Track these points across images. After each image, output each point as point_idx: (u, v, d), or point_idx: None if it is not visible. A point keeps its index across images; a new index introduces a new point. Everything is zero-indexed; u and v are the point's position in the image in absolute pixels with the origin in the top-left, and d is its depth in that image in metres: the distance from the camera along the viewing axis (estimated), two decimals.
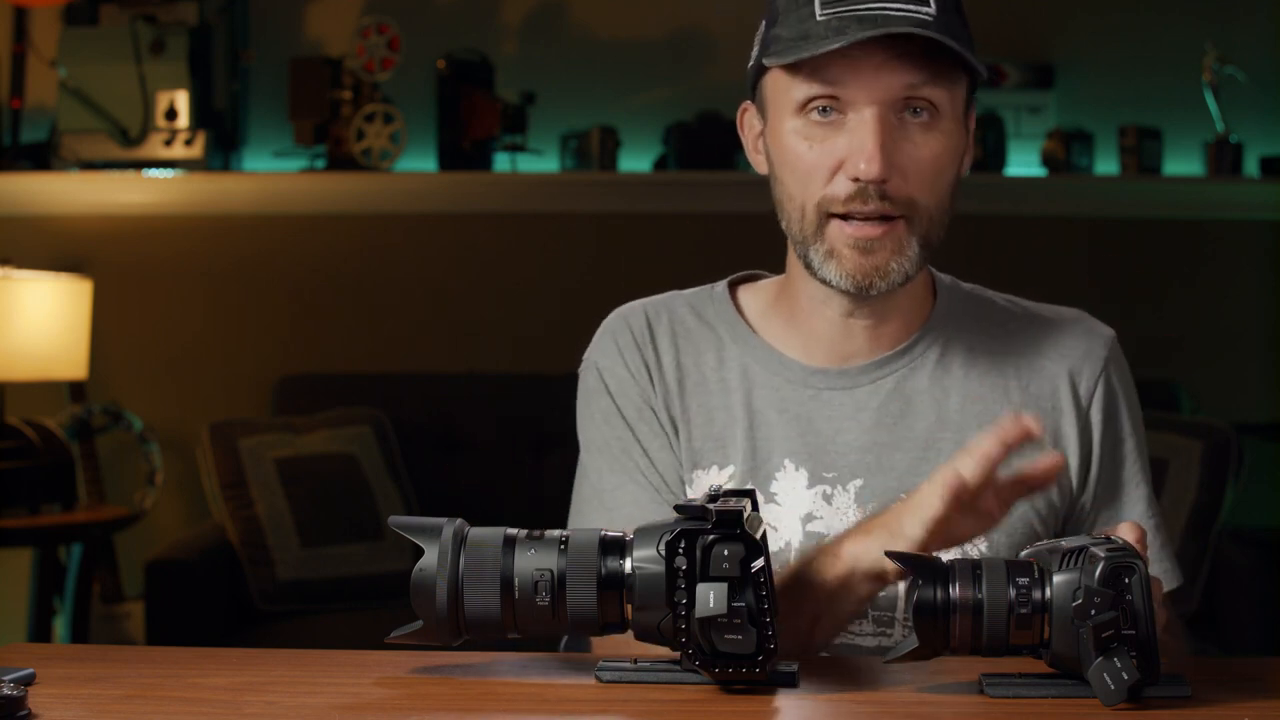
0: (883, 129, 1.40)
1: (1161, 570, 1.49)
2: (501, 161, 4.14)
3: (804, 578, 1.36)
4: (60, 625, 3.94)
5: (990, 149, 4.02)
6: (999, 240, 4.08)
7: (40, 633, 3.79)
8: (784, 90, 1.44)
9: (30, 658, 1.23)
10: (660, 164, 4.11)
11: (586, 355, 1.58)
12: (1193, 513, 3.32)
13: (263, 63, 4.17)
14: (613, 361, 1.55)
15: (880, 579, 1.34)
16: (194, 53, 4.01)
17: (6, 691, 1.05)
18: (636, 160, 4.15)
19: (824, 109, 1.42)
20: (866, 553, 1.33)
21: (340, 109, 4.04)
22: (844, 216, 1.42)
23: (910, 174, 1.42)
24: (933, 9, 1.39)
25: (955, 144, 1.45)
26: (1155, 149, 4.03)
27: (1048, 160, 4.05)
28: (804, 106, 1.43)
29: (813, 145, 1.43)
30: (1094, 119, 4.09)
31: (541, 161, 4.14)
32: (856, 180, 1.40)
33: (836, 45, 1.37)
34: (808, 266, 1.46)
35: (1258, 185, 4.02)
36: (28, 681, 1.15)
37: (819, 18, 1.39)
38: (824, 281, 1.46)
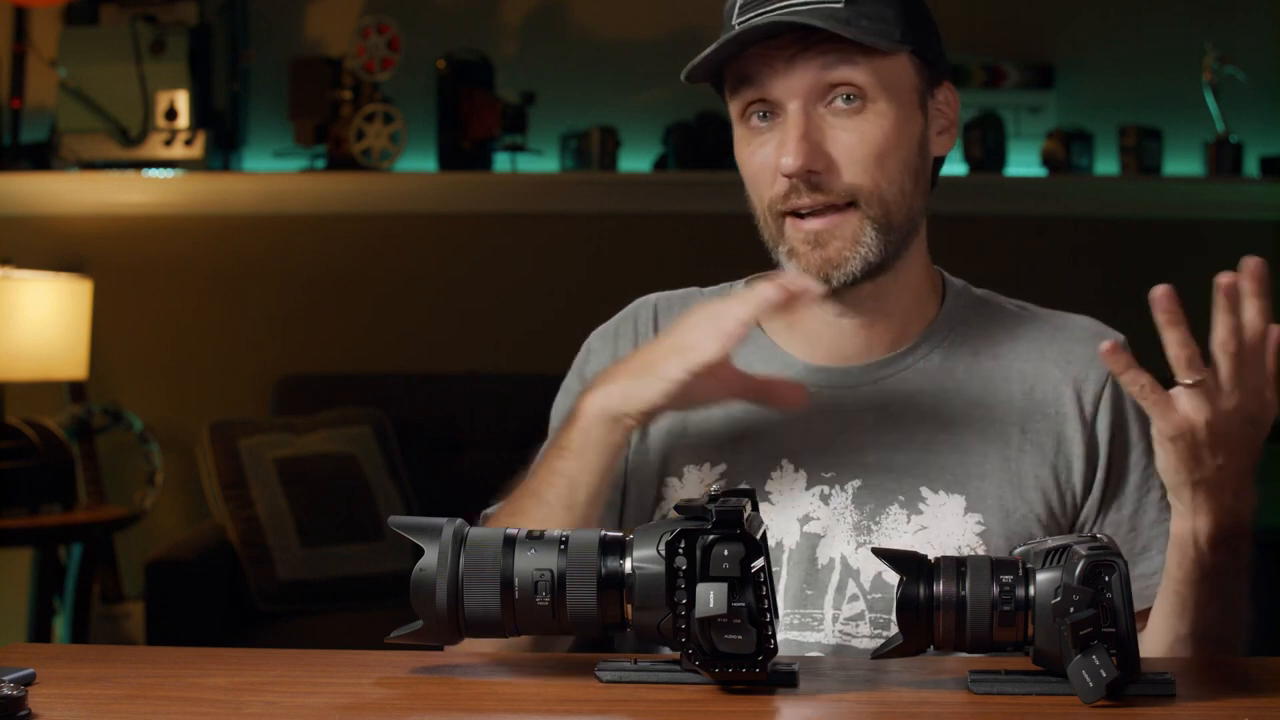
0: (805, 121, 1.41)
1: None
2: (501, 161, 4.14)
3: (548, 461, 1.41)
4: (60, 625, 3.95)
5: (990, 149, 4.02)
6: (999, 240, 4.08)
7: (40, 633, 3.79)
8: (729, 103, 1.48)
9: (30, 658, 1.23)
10: (660, 164, 4.11)
11: (591, 334, 1.62)
12: None
13: (263, 63, 4.17)
14: (603, 346, 1.59)
15: (618, 421, 1.37)
16: (194, 53, 4.02)
17: (6, 691, 1.05)
18: (636, 160, 4.15)
19: (763, 114, 1.45)
20: (608, 397, 1.37)
21: (340, 109, 4.05)
22: (795, 214, 1.44)
23: (844, 161, 1.42)
24: None
25: (897, 124, 1.44)
26: (1155, 149, 4.03)
27: (1048, 160, 4.05)
28: (743, 115, 1.46)
29: (755, 151, 1.46)
30: (1094, 119, 4.09)
31: (541, 161, 4.14)
32: (787, 176, 1.42)
33: (710, 50, 1.41)
34: (779, 266, 1.49)
35: (1258, 185, 4.03)
36: (28, 681, 1.15)
37: (735, 26, 1.42)
38: None
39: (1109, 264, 4.12)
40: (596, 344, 1.60)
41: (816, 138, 1.41)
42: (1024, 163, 4.08)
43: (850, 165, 1.42)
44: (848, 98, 1.42)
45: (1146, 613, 1.40)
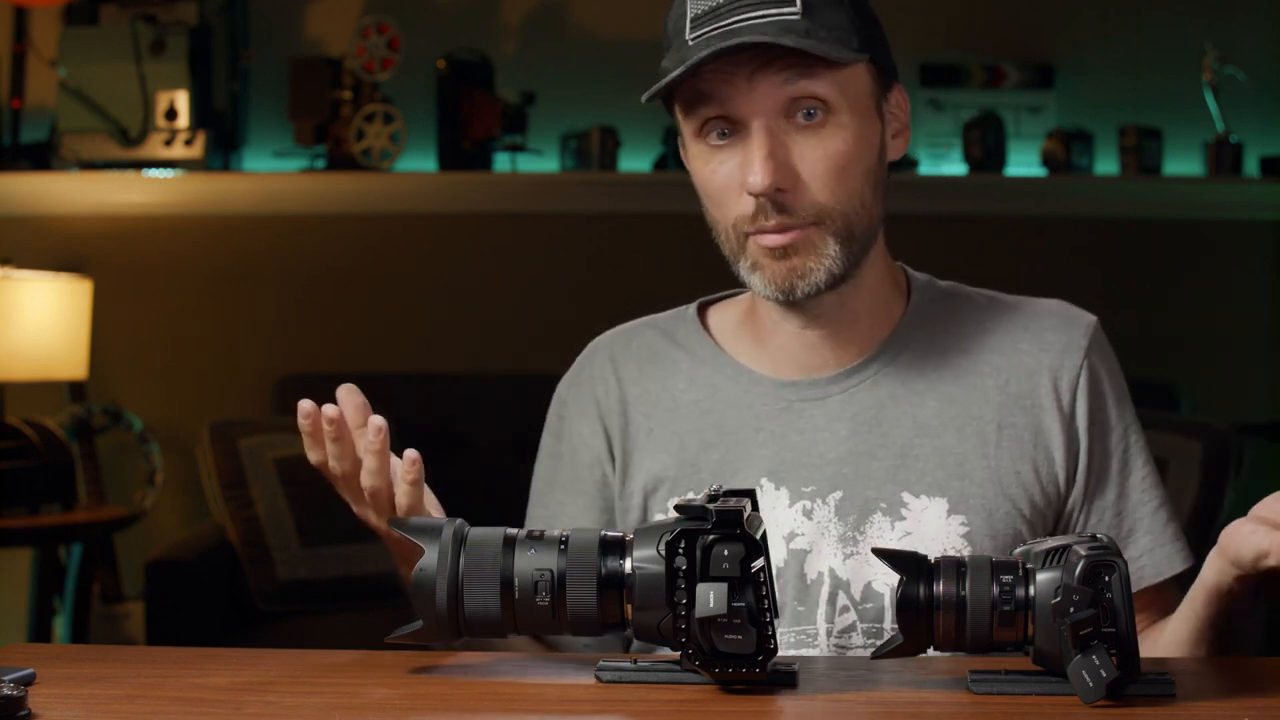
0: (770, 139, 1.38)
1: (1166, 554, 1.49)
2: (501, 161, 4.14)
3: None
4: (60, 625, 3.94)
5: (990, 149, 4.02)
6: (999, 240, 4.08)
7: (40, 633, 3.79)
8: (682, 120, 1.45)
9: (30, 658, 1.23)
10: (660, 164, 4.11)
11: (561, 381, 1.63)
12: (1193, 513, 3.32)
13: (263, 63, 4.17)
14: (568, 395, 1.60)
15: None
16: (194, 53, 4.02)
17: (6, 691, 1.05)
18: (636, 160, 4.15)
19: (721, 131, 1.41)
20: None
21: (340, 109, 4.04)
22: (757, 232, 1.42)
23: (809, 179, 1.40)
24: (797, 7, 1.37)
25: (858, 135, 1.42)
26: (1155, 149, 4.03)
27: (1048, 160, 4.05)
28: (700, 132, 1.43)
29: (715, 169, 1.42)
30: (1094, 119, 4.09)
31: (541, 161, 4.14)
32: (754, 195, 1.39)
33: (678, 73, 1.37)
34: (741, 281, 1.47)
35: (1258, 185, 4.02)
36: (28, 681, 1.16)
37: (689, 42, 1.39)
38: (757, 293, 1.46)
39: (1109, 264, 4.12)
40: (566, 394, 1.61)
41: (782, 155, 1.38)
42: (1024, 163, 4.08)
43: (815, 182, 1.40)
44: (809, 112, 1.39)
45: (1140, 595, 1.42)
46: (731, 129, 1.41)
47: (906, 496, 1.46)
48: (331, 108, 4.04)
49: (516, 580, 1.17)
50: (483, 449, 3.90)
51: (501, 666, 1.26)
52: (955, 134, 4.07)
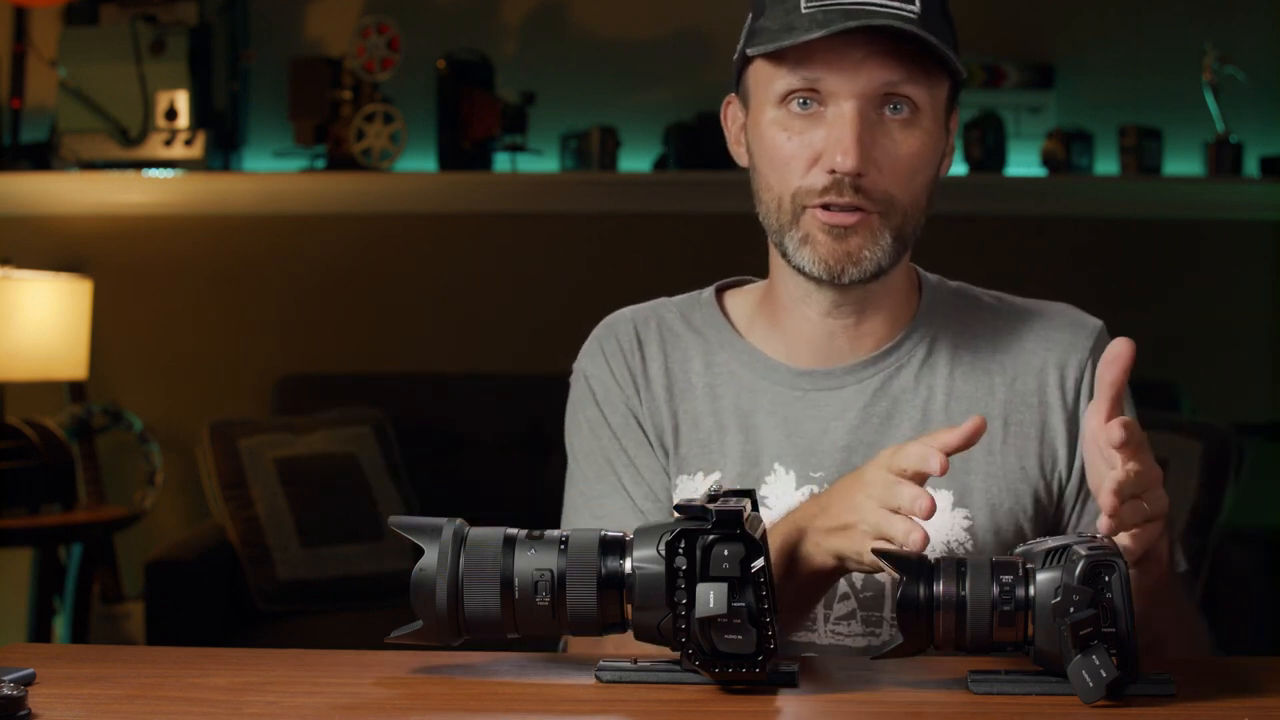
0: (861, 123, 1.41)
1: None
2: (501, 161, 4.14)
3: (794, 567, 1.35)
4: (60, 625, 3.94)
5: (990, 149, 4.02)
6: (999, 240, 4.08)
7: (40, 633, 3.79)
8: (766, 82, 1.46)
9: (30, 658, 1.23)
10: (660, 164, 4.11)
11: (576, 364, 1.60)
12: (1193, 513, 3.32)
13: (263, 63, 4.17)
14: (600, 370, 1.57)
15: (843, 563, 1.32)
16: (194, 53, 4.01)
17: (6, 691, 1.05)
18: (636, 160, 4.15)
19: (804, 101, 1.43)
20: (848, 542, 1.30)
21: (340, 109, 4.04)
22: (820, 207, 1.44)
23: (887, 169, 1.43)
24: (917, 7, 1.41)
25: (934, 143, 1.46)
26: (1155, 149, 4.03)
27: (1048, 160, 4.05)
28: (784, 98, 1.44)
29: (791, 136, 1.44)
30: (1094, 119, 4.09)
31: (541, 161, 4.14)
32: (833, 172, 1.42)
33: (818, 35, 1.38)
34: (783, 254, 1.48)
35: (1258, 185, 4.02)
36: (28, 681, 1.16)
37: (804, 10, 1.41)
38: (798, 269, 1.47)
39: (1109, 264, 4.12)
40: (593, 371, 1.57)
41: (868, 141, 1.41)
42: (1024, 163, 4.08)
43: (891, 174, 1.43)
44: (896, 107, 1.43)
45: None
46: (817, 102, 1.43)
47: None
48: (331, 108, 4.04)
49: (516, 580, 1.17)
50: (483, 449, 3.90)
51: (501, 666, 1.26)
52: (955, 134, 4.07)
